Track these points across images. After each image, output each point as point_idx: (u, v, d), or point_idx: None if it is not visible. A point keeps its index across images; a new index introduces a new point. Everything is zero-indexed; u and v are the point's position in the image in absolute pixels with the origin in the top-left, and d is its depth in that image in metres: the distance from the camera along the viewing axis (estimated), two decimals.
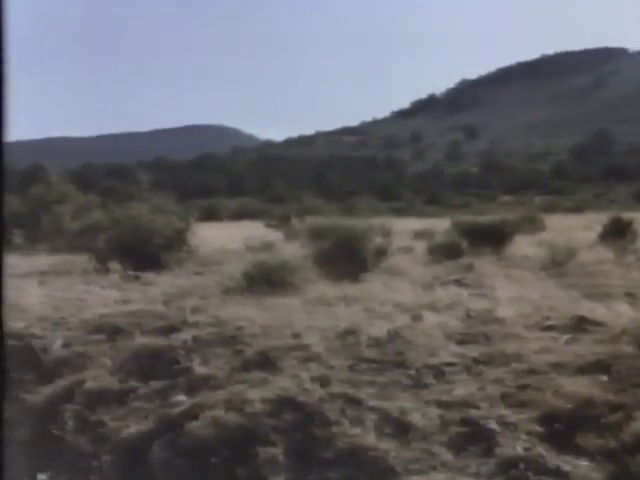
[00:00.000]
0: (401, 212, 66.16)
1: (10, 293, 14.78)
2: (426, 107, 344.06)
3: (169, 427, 7.48)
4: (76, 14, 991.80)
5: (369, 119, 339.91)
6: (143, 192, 25.04)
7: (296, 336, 9.60)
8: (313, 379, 7.98)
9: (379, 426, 7.02)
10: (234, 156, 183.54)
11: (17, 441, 9.25)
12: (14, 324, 12.45)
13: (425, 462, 6.41)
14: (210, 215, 45.21)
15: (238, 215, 55.53)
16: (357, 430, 6.93)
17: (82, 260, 20.74)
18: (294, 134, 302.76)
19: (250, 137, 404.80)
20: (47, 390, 9.64)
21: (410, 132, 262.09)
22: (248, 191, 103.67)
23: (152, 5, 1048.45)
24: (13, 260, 21.99)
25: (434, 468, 6.32)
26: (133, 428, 7.84)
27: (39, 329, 12.02)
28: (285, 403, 7.43)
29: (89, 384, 9.24)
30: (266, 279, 13.75)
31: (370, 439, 6.78)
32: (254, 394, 7.60)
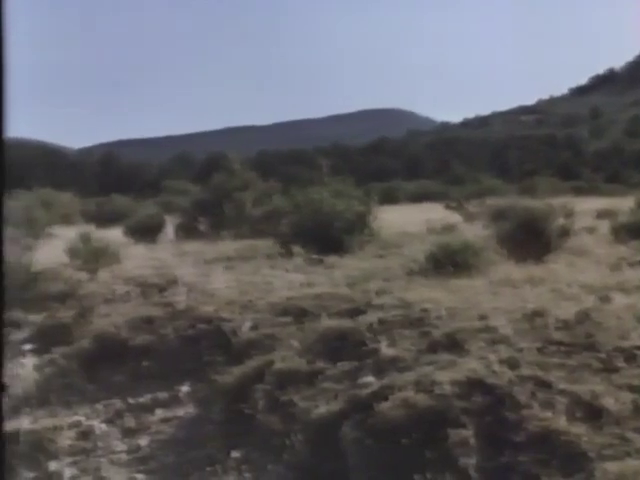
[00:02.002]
0: (581, 191, 64.36)
1: (198, 279, 15.28)
2: (605, 82, 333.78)
3: (359, 407, 7.57)
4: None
5: (546, 97, 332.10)
6: (323, 177, 25.21)
7: (483, 318, 9.52)
8: (502, 361, 7.90)
9: (570, 410, 6.90)
10: (410, 139, 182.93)
11: (211, 420, 9.58)
12: (203, 308, 12.86)
13: (619, 448, 6.26)
14: (389, 198, 45.21)
15: (416, 197, 55.37)
16: (548, 413, 6.83)
17: (265, 245, 21.14)
18: (470, 115, 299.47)
19: (426, 119, 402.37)
20: (237, 371, 9.92)
21: (589, 109, 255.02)
22: (425, 174, 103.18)
23: None
24: (199, 247, 22.64)
25: (628, 454, 6.16)
26: (323, 408, 7.98)
27: (228, 312, 12.37)
28: (474, 385, 7.39)
29: (278, 365, 9.45)
30: (450, 261, 13.67)
31: (561, 423, 6.68)
32: (443, 376, 7.59)
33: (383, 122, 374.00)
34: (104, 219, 37.43)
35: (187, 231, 29.23)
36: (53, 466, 9.56)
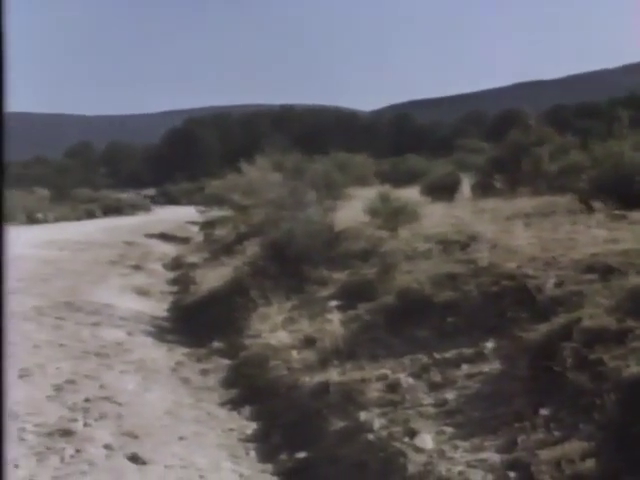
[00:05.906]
0: None
1: (498, 236, 15.25)
2: None
3: None
4: None
5: None
6: (622, 129, 24.27)
7: None
8: None
9: None
10: None
11: (516, 376, 9.59)
12: (506, 265, 12.85)
13: None
14: None
15: None
16: None
17: (564, 201, 20.74)
18: None
19: None
20: (543, 328, 9.85)
21: None
22: None
23: None
24: (496, 204, 22.61)
25: None
26: (634, 368, 7.80)
27: (531, 269, 12.28)
28: None
29: (586, 323, 9.30)
30: None
31: None
32: None
33: None
34: (398, 179, 37.97)
35: (483, 188, 29.20)
36: (363, 416, 9.88)
